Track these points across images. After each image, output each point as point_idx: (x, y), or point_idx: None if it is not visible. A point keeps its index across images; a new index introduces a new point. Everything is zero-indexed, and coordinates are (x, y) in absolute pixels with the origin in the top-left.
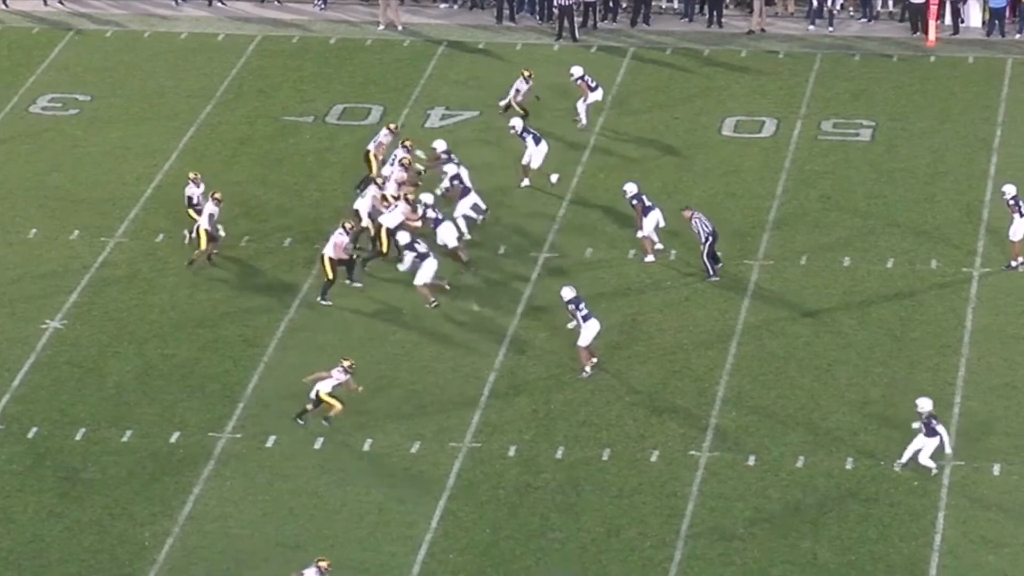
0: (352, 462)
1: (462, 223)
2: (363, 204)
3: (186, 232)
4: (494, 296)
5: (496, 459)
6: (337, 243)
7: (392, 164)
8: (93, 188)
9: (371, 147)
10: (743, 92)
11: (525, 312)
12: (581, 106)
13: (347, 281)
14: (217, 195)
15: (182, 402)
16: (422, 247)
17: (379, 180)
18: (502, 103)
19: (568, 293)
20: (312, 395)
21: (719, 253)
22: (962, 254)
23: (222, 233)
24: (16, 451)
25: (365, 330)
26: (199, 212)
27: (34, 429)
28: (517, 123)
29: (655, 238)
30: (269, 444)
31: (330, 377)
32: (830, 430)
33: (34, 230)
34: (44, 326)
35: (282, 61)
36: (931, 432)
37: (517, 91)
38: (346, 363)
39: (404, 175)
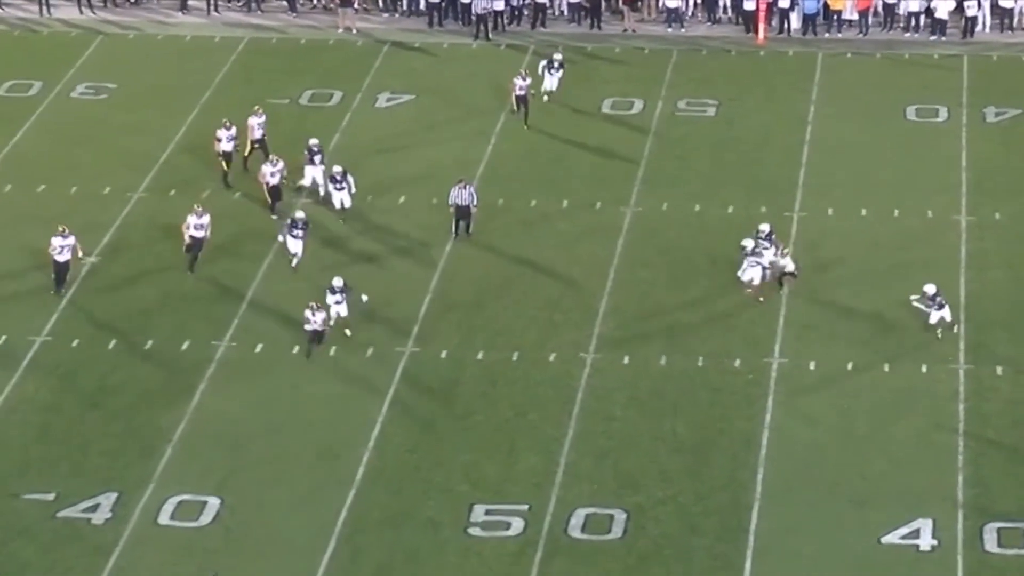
0: (321, 363)
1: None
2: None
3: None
4: (430, 235)
5: (431, 360)
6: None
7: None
8: (128, 147)
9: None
10: (617, 79)
11: (454, 247)
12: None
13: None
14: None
15: (192, 318)
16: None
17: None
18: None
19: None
20: None
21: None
22: (785, 201)
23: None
24: (63, 358)
25: (326, 262)
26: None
27: (75, 340)
28: (557, 57)
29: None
30: (257, 350)
31: None
32: (686, 336)
33: (74, 188)
34: (83, 262)
35: (264, 57)
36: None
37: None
38: None
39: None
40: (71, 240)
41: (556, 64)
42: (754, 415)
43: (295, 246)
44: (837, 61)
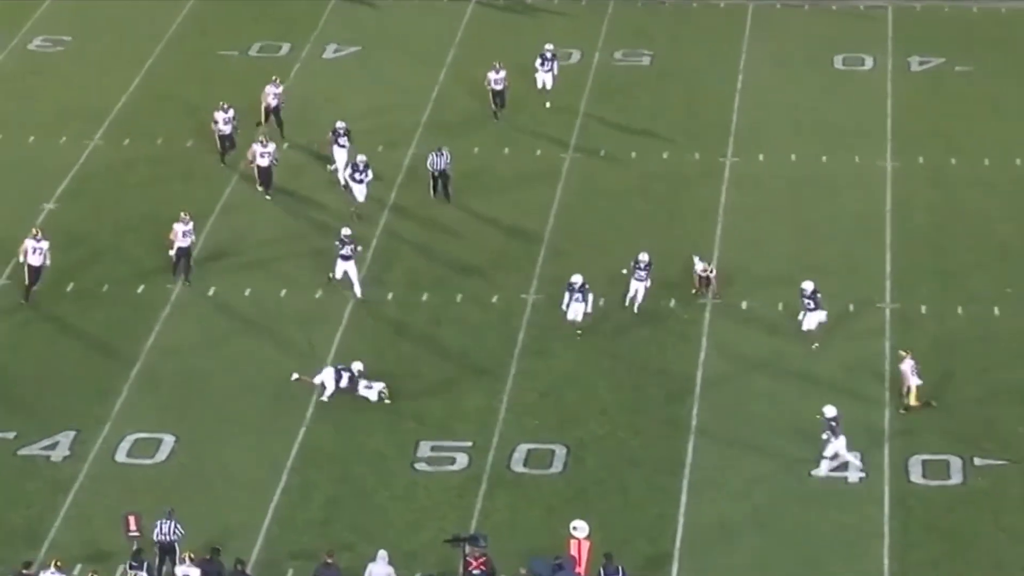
0: (272, 306)
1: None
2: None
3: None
4: (376, 183)
5: (379, 304)
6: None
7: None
8: (84, 97)
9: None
10: (556, 31)
11: (396, 199)
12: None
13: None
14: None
15: (147, 261)
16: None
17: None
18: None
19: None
20: None
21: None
22: (718, 147)
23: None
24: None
25: (281, 224)
26: None
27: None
28: (549, 48)
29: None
30: (210, 293)
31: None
32: (623, 277)
33: (32, 137)
34: (41, 208)
35: (216, 9)
36: (837, 435)
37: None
38: None
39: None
40: (44, 244)
41: (549, 56)
42: (689, 353)
43: (350, 269)
44: (767, 12)
